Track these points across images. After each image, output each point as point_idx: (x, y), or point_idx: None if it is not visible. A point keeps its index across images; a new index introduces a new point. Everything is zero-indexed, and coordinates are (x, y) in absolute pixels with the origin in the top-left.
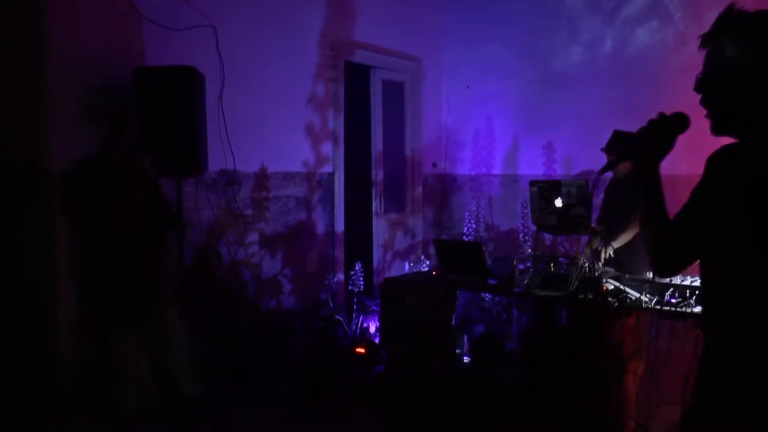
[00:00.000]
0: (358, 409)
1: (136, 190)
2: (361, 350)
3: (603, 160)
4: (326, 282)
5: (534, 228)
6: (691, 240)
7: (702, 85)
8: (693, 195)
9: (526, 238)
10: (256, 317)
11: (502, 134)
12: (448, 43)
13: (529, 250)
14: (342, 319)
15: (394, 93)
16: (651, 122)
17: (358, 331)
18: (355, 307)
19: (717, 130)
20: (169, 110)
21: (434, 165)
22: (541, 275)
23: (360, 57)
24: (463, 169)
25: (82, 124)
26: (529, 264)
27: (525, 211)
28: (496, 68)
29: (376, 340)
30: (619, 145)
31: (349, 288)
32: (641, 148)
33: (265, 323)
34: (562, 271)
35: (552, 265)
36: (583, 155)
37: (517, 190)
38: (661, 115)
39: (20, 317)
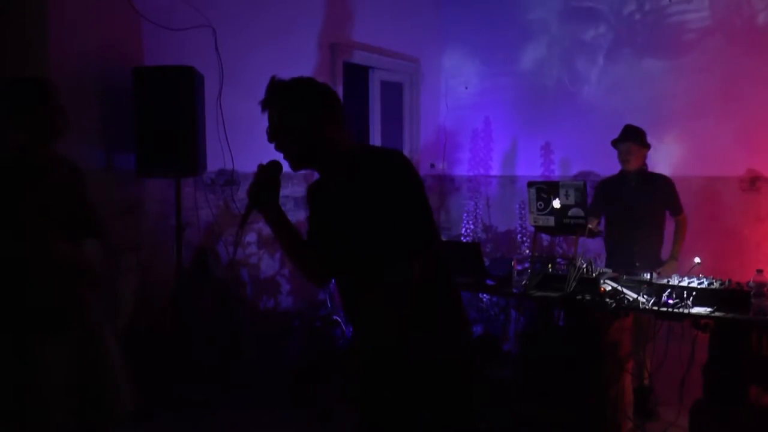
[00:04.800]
0: (355, 410)
1: (60, 198)
2: None
3: (602, 160)
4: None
5: (532, 229)
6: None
7: (271, 137)
8: (311, 223)
9: (524, 238)
10: (254, 317)
11: (500, 135)
12: (446, 44)
13: (527, 251)
14: (340, 320)
15: (393, 94)
16: (255, 174)
17: None
18: None
19: (295, 167)
20: (168, 110)
21: (432, 166)
22: (538, 276)
23: (358, 58)
24: (461, 170)
25: (81, 124)
26: (526, 265)
27: (523, 212)
28: (494, 69)
29: None
30: (628, 136)
31: (341, 287)
32: (257, 199)
33: (263, 323)
34: (560, 272)
35: (550, 265)
36: (580, 156)
37: (514, 191)
38: (260, 166)
39: None
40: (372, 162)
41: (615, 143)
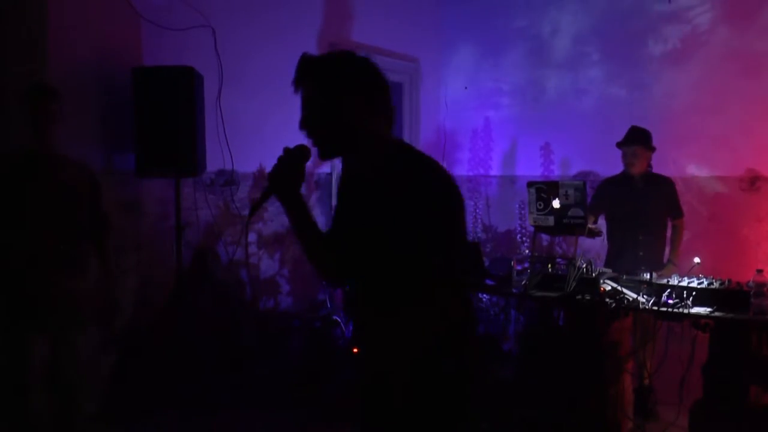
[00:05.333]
0: (355, 410)
1: (63, 193)
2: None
3: (601, 160)
4: (324, 282)
5: (531, 229)
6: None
7: (303, 122)
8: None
9: (524, 238)
10: (253, 317)
11: (500, 135)
12: (446, 44)
13: (527, 251)
14: (339, 320)
15: (392, 94)
16: (280, 158)
17: None
18: None
19: (322, 154)
20: (168, 110)
21: None
22: (538, 276)
23: None
24: (461, 170)
25: (80, 123)
26: (526, 265)
27: (523, 212)
28: (494, 69)
29: None
30: (635, 139)
31: (347, 288)
32: (278, 183)
33: (262, 323)
34: (560, 272)
35: (549, 265)
36: (580, 157)
37: (514, 191)
38: (286, 149)
39: None
40: (402, 168)
41: (621, 145)
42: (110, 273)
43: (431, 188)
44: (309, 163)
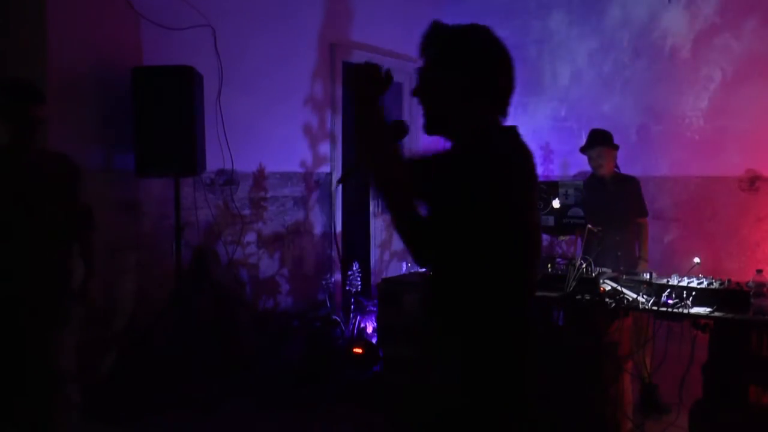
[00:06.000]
0: (355, 410)
1: (47, 193)
2: (358, 350)
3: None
4: (324, 282)
5: None
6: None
7: (417, 91)
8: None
9: None
10: (253, 317)
11: None
12: None
13: None
14: (339, 320)
15: (392, 93)
16: (360, 68)
17: (355, 331)
18: (352, 307)
19: (427, 129)
20: (168, 110)
21: None
22: (538, 276)
23: (358, 57)
24: None
25: (80, 123)
26: None
27: None
28: None
29: (374, 341)
30: (598, 141)
31: (347, 288)
32: (361, 88)
33: (262, 323)
34: (560, 272)
35: (549, 265)
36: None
37: None
38: (367, 63)
39: None
40: (478, 150)
41: (585, 150)
42: (90, 272)
43: (527, 182)
44: (309, 163)
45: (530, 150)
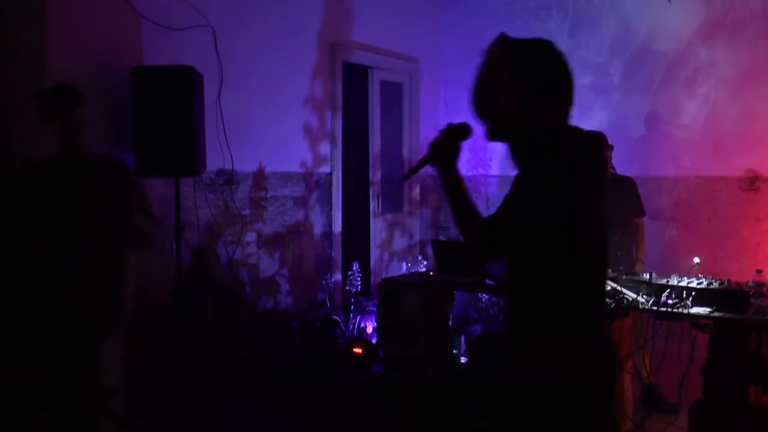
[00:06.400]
0: (355, 410)
1: (88, 196)
2: (358, 350)
3: None
4: (324, 282)
5: None
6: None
7: (474, 97)
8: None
9: None
10: (253, 317)
11: None
12: (445, 43)
13: None
14: (339, 320)
15: (392, 93)
16: (442, 131)
17: (355, 331)
18: (352, 307)
19: (488, 135)
20: (168, 110)
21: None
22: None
23: (358, 57)
24: (461, 170)
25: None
26: None
27: None
28: None
29: (374, 341)
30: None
31: (347, 288)
32: (437, 153)
33: (262, 323)
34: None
35: None
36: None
37: None
38: (449, 124)
39: None
40: (543, 150)
41: None
42: (118, 294)
43: (584, 184)
44: (309, 163)
45: (594, 148)
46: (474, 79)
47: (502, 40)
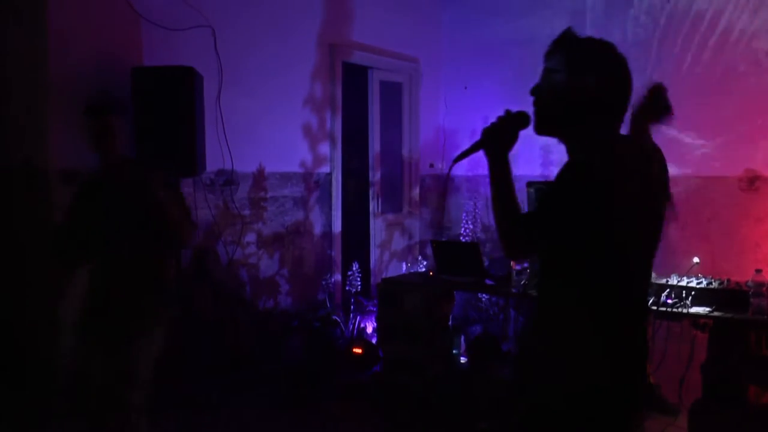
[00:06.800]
0: (354, 410)
1: (130, 200)
2: (358, 350)
3: None
4: (323, 282)
5: None
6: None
7: (535, 90)
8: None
9: None
10: (253, 317)
11: None
12: (445, 44)
13: None
14: (339, 320)
15: (392, 94)
16: (500, 117)
17: (355, 331)
18: (352, 307)
19: (537, 128)
20: (167, 110)
21: (431, 165)
22: (537, 276)
23: (357, 58)
24: (461, 170)
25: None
26: (525, 264)
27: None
28: (493, 69)
29: (373, 341)
30: None
31: (347, 288)
32: (492, 139)
33: (262, 323)
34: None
35: None
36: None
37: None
38: (507, 111)
39: (19, 317)
40: (620, 170)
41: None
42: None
43: (645, 198)
44: (309, 164)
45: (652, 153)
46: (542, 73)
47: (565, 36)
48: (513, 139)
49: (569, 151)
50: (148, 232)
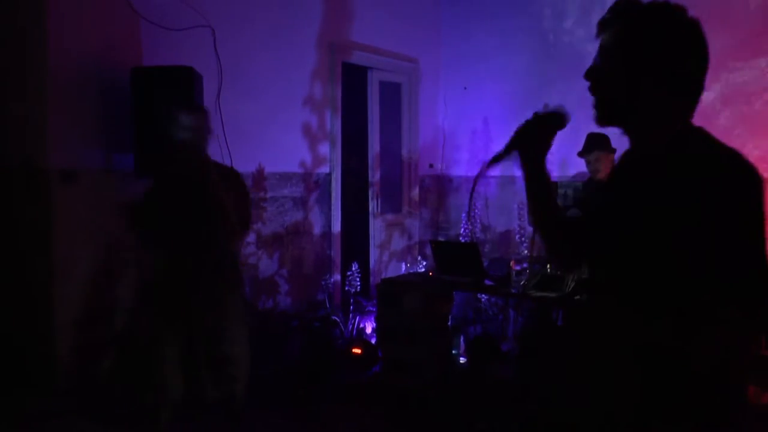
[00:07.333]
0: (354, 410)
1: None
2: (357, 351)
3: None
4: (323, 282)
5: (530, 229)
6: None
7: (590, 72)
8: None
9: (523, 239)
10: (253, 317)
11: (499, 135)
12: (445, 44)
13: (526, 252)
14: (338, 320)
15: (392, 94)
16: (536, 115)
17: (354, 331)
18: (351, 307)
19: (599, 118)
20: (167, 110)
21: (431, 166)
22: (537, 276)
23: (357, 58)
24: (460, 170)
25: (80, 123)
26: (525, 265)
27: (521, 212)
28: (493, 69)
29: (373, 341)
30: (595, 145)
31: (346, 288)
32: (526, 140)
33: (261, 323)
34: (558, 273)
35: (548, 266)
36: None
37: (513, 192)
38: (546, 108)
39: (18, 317)
40: (702, 165)
41: (582, 154)
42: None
43: (742, 192)
44: (308, 164)
45: (727, 154)
46: (597, 52)
47: (620, 4)
48: (550, 140)
49: (638, 145)
50: (230, 225)
